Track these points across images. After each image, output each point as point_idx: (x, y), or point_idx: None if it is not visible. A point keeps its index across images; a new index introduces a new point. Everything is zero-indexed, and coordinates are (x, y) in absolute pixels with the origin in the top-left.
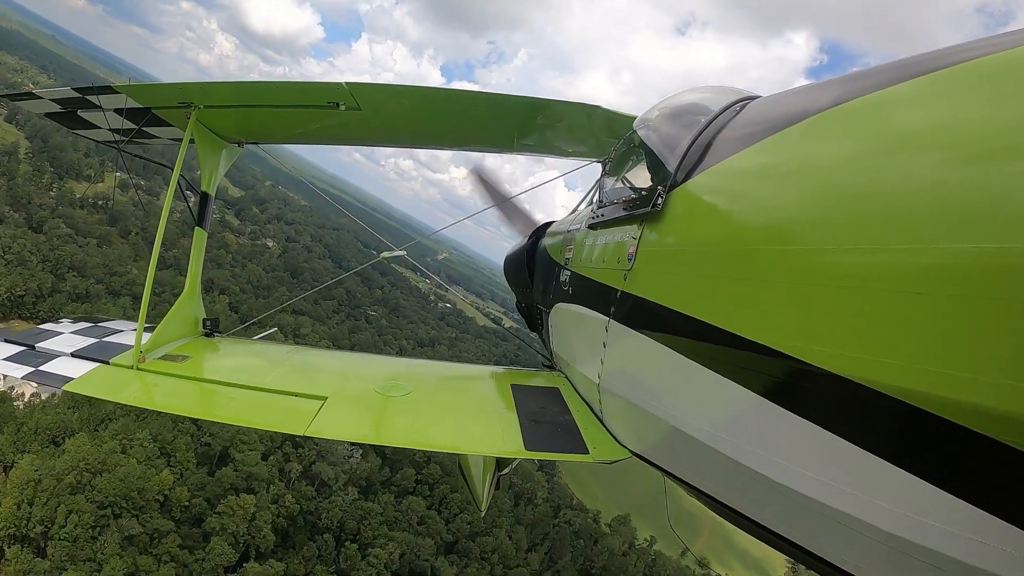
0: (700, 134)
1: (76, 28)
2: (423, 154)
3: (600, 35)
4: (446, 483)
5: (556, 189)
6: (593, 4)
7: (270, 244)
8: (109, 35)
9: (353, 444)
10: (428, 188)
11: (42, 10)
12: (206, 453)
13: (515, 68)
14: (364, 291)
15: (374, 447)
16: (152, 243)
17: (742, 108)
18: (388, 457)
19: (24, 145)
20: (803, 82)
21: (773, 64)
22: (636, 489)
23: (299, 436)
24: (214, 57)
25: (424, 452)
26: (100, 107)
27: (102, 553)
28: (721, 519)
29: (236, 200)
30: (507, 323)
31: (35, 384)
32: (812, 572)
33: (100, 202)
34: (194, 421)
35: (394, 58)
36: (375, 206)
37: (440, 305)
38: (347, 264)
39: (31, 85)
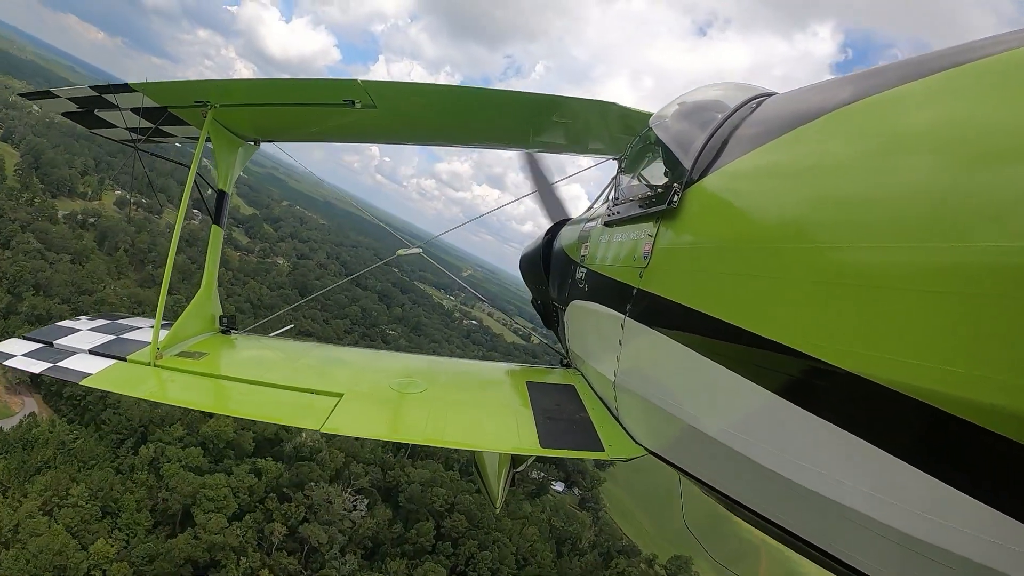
0: (716, 131)
1: (97, 60)
2: (444, 173)
3: (619, 40)
4: (472, 537)
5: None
6: (611, 8)
7: (280, 262)
8: (129, 66)
9: (356, 495)
10: (451, 207)
11: (60, 43)
12: (165, 511)
13: (534, 80)
14: (381, 309)
15: (384, 499)
16: (138, 257)
17: (758, 105)
18: (401, 507)
19: (13, 161)
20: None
21: (799, 60)
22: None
23: (316, 433)
24: None
25: (444, 500)
26: (117, 106)
27: None
28: (781, 545)
29: (247, 218)
30: (535, 339)
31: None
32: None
33: (91, 219)
34: (156, 475)
35: (412, 77)
36: (398, 226)
37: (466, 322)
38: (365, 281)
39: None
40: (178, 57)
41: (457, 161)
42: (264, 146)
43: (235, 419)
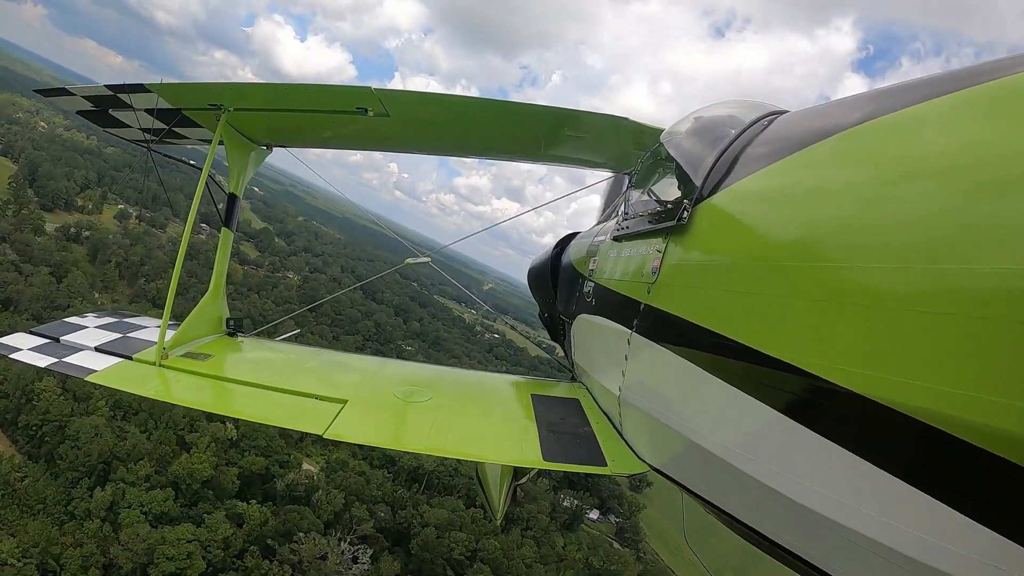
0: (727, 149)
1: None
2: (463, 187)
3: (636, 45)
4: None
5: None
6: (626, 10)
7: (290, 276)
8: None
9: (358, 544)
10: (471, 221)
11: (79, 68)
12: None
13: (550, 91)
14: (397, 323)
15: (393, 546)
16: (131, 270)
17: (769, 123)
18: (413, 556)
19: (7, 174)
20: (853, 76)
21: (821, 57)
22: (723, 545)
23: (322, 437)
24: None
25: (465, 547)
26: (131, 106)
27: None
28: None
29: (258, 232)
30: (560, 352)
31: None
32: None
33: (85, 232)
34: (114, 524)
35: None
36: (417, 240)
37: (488, 336)
38: (380, 295)
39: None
40: (195, 78)
41: (476, 175)
42: (282, 164)
43: (215, 455)
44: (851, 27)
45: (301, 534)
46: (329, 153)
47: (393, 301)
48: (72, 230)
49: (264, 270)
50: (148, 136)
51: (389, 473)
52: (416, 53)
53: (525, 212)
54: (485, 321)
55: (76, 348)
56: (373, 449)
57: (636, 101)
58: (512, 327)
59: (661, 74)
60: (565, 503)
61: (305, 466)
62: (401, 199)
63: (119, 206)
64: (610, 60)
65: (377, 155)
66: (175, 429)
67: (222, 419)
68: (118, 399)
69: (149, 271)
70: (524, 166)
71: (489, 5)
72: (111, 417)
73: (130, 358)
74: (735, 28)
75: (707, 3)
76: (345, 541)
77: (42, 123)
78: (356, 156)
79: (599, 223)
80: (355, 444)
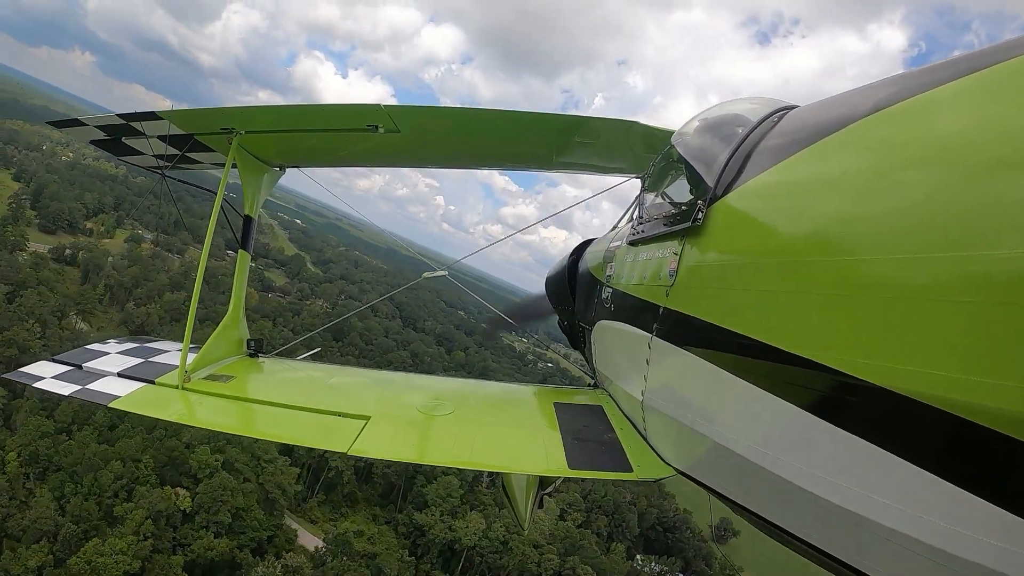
0: (739, 147)
1: None
2: (511, 216)
3: (680, 57)
4: None
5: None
6: (667, 22)
7: (319, 303)
8: None
9: None
10: (519, 251)
11: (105, 102)
12: None
13: (594, 113)
14: (438, 352)
15: None
16: (123, 293)
17: (780, 119)
18: None
19: (7, 193)
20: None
21: (874, 56)
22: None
23: (340, 454)
24: None
25: None
26: (144, 134)
27: None
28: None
29: (289, 259)
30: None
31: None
32: None
33: (81, 253)
34: None
35: None
36: (463, 270)
37: (540, 365)
38: (423, 324)
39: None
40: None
41: (522, 204)
42: (326, 197)
43: (151, 537)
44: (901, 20)
45: None
46: (375, 187)
47: (436, 329)
48: (68, 252)
49: (292, 297)
50: (162, 163)
51: (412, 552)
52: (456, 82)
53: (541, 221)
54: (537, 350)
55: (99, 375)
56: (392, 516)
57: (682, 118)
58: (565, 356)
59: (708, 86)
60: (645, 570)
61: (302, 539)
62: (449, 231)
63: (138, 231)
64: (654, 75)
65: (423, 188)
66: (102, 494)
67: (177, 483)
68: (33, 449)
69: (142, 295)
70: (571, 191)
71: (527, 24)
72: (23, 475)
73: (152, 382)
74: (781, 32)
75: (752, 6)
76: None
77: (69, 152)
78: (402, 190)
79: (614, 228)
80: (381, 460)
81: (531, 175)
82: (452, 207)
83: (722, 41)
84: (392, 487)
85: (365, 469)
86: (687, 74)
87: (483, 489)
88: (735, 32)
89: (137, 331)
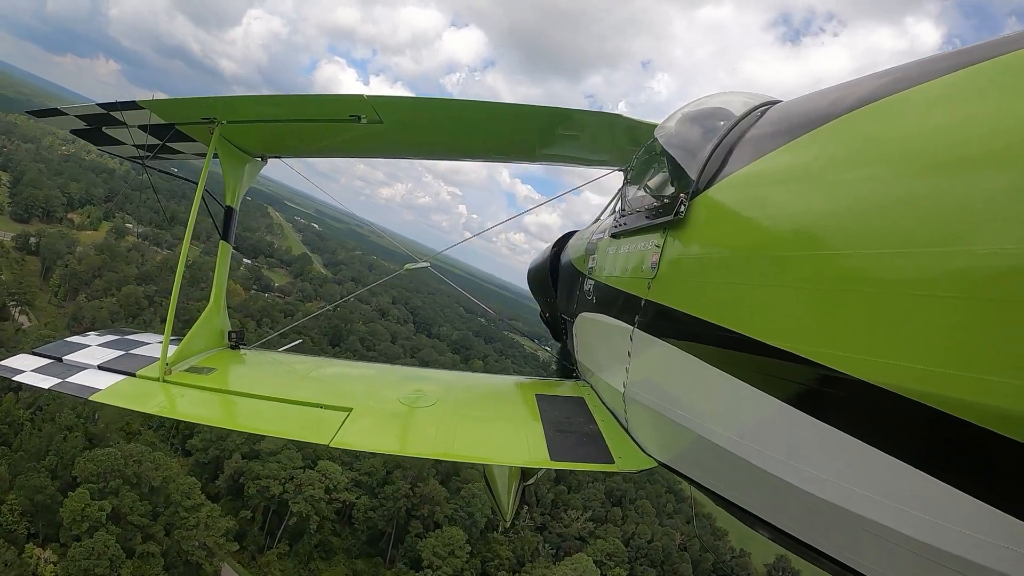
0: (721, 141)
1: None
2: (533, 225)
3: (706, 58)
4: None
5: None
6: (695, 18)
7: (322, 304)
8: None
9: None
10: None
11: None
12: None
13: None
14: (452, 360)
15: None
16: (75, 284)
17: (763, 113)
18: None
19: None
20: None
21: (908, 54)
22: None
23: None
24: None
25: None
26: (124, 123)
27: None
28: None
29: (296, 259)
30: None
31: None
32: None
33: (32, 239)
34: None
35: None
36: (484, 278)
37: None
38: (438, 331)
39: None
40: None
41: (545, 213)
42: (346, 203)
43: None
44: (940, 14)
45: None
46: (398, 196)
47: (452, 336)
48: (32, 240)
49: (292, 297)
50: (142, 152)
51: None
52: (478, 87)
53: (517, 215)
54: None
55: (79, 367)
56: (380, 573)
57: None
58: None
59: (736, 89)
60: None
61: None
62: (475, 242)
63: (127, 224)
64: (680, 78)
65: (446, 197)
66: None
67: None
68: None
69: (99, 289)
70: (595, 199)
71: (551, 23)
72: None
73: (133, 375)
74: (813, 30)
75: (782, 2)
76: None
77: (72, 148)
78: (424, 198)
79: (596, 220)
80: (363, 452)
81: (553, 183)
82: (475, 216)
83: (750, 40)
84: (380, 535)
85: (345, 511)
86: (714, 75)
87: (498, 536)
88: (763, 32)
89: (84, 328)
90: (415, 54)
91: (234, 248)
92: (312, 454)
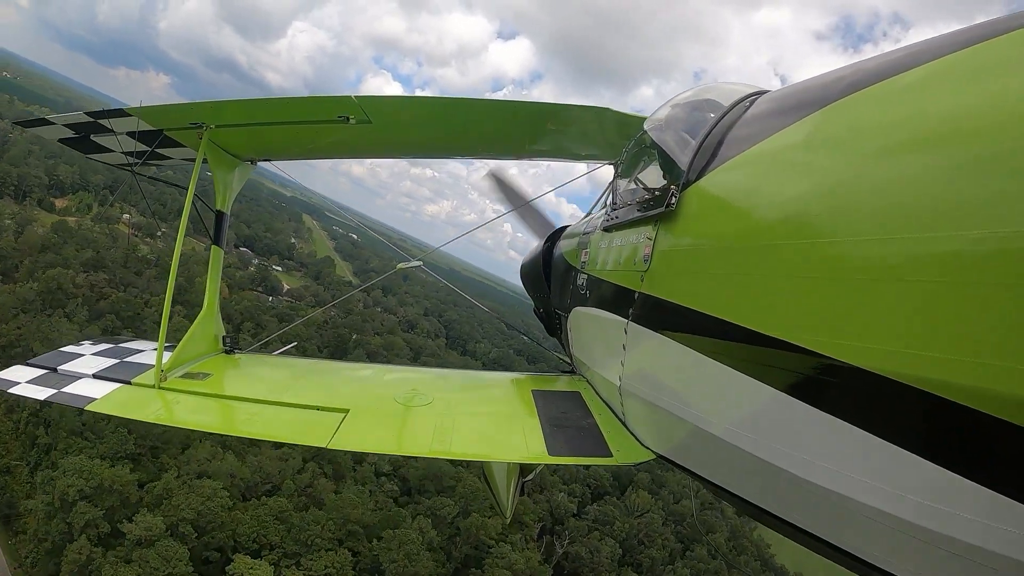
0: (711, 132)
1: None
2: None
3: (762, 67)
4: None
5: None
6: (751, 24)
7: (333, 313)
8: None
9: None
10: None
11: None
12: None
13: None
14: (469, 364)
15: None
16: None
17: (752, 103)
18: None
19: None
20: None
21: None
22: None
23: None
24: (358, 176)
25: None
26: (113, 131)
27: None
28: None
29: (318, 262)
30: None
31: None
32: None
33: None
34: None
35: None
36: (497, 281)
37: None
38: (473, 348)
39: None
40: None
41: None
42: (387, 220)
43: None
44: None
45: None
46: (443, 212)
47: (490, 353)
48: (6, 221)
49: (302, 302)
50: (131, 159)
51: None
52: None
53: (527, 202)
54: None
55: (74, 377)
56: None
57: None
58: None
59: None
60: None
61: None
62: (515, 258)
63: (118, 214)
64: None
65: (491, 214)
66: None
67: None
68: None
69: (26, 273)
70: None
71: (601, 31)
72: None
73: (129, 383)
74: (876, 35)
75: (844, 5)
76: None
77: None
78: (471, 215)
79: (588, 214)
80: (361, 452)
81: (591, 199)
82: (519, 234)
83: (807, 49)
84: None
85: None
86: (770, 86)
87: None
88: (818, 40)
89: None
90: (460, 65)
91: (244, 248)
92: None
